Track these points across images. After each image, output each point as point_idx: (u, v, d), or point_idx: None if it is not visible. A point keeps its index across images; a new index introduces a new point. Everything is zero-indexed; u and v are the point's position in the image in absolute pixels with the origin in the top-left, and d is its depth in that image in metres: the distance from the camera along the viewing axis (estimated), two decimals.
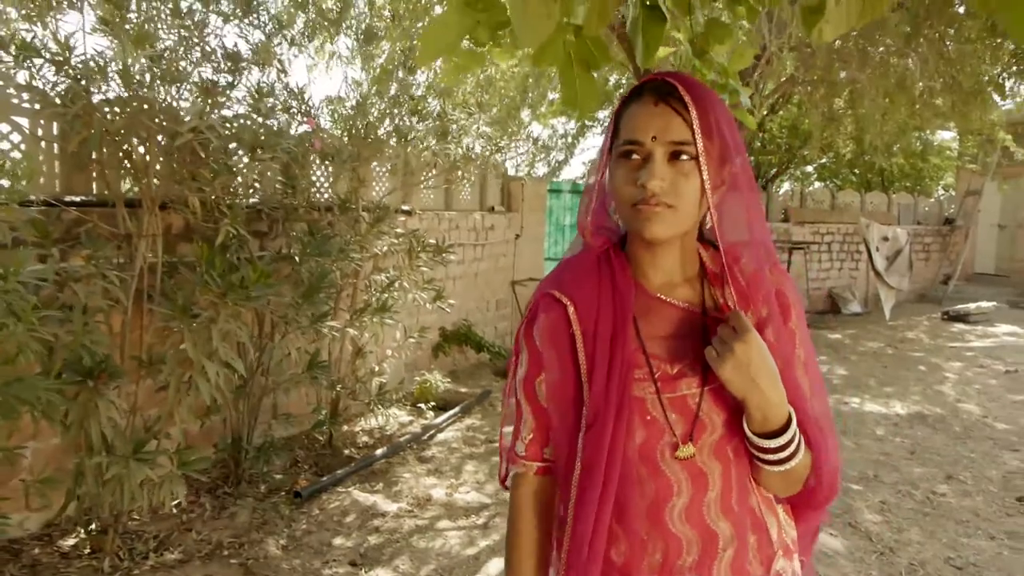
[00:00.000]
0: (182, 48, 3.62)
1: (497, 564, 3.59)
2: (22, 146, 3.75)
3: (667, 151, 1.14)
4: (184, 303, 3.26)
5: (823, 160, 17.50)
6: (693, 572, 1.19)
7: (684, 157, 1.14)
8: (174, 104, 3.48)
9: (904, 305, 13.43)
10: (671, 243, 1.21)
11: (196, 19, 3.48)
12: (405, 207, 6.29)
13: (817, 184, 19.35)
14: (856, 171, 17.22)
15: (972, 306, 12.52)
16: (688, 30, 2.42)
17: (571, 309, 1.24)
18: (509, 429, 1.37)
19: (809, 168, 19.12)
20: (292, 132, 4.35)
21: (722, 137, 1.16)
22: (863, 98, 7.83)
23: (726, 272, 1.21)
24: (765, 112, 9.64)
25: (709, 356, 1.14)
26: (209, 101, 3.40)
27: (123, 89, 3.39)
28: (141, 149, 3.42)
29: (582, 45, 1.41)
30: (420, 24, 6.18)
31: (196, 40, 3.63)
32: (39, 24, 3.57)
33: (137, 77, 3.18)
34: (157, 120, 3.28)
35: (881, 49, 6.70)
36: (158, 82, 3.45)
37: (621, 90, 11.88)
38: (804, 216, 12.88)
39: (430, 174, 5.93)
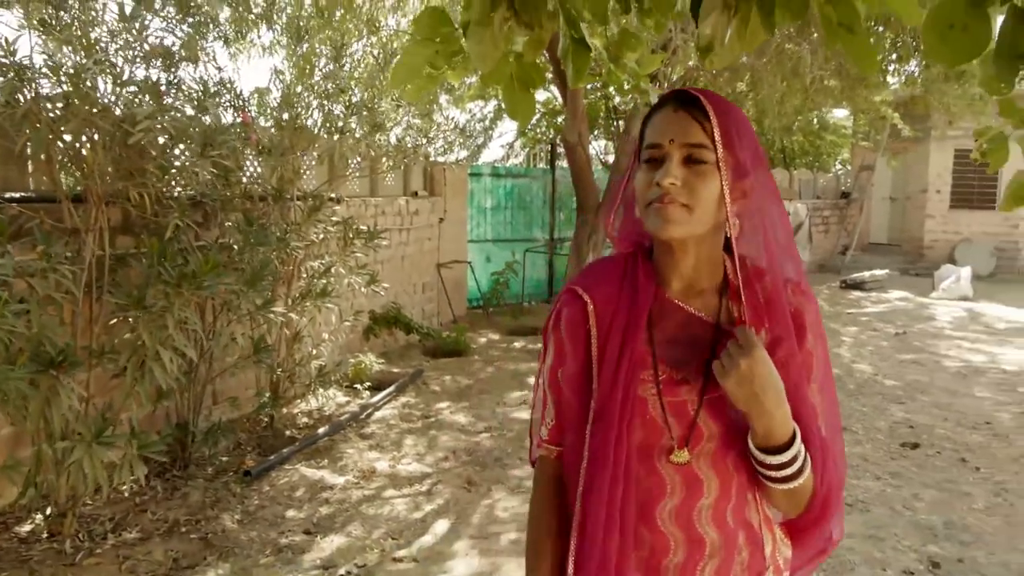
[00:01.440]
0: (119, 47, 3.76)
1: (443, 524, 3.90)
2: None
3: (683, 153, 1.18)
4: (139, 294, 3.44)
5: None
6: (677, 573, 1.23)
7: (699, 160, 1.18)
8: (117, 102, 3.61)
9: (806, 275, 14.26)
10: (690, 248, 1.24)
11: (135, 20, 3.61)
12: (332, 195, 6.48)
13: None
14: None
15: (867, 274, 13.44)
16: (603, 38, 2.75)
17: (590, 306, 1.29)
18: (538, 415, 1.41)
19: None
20: (226, 125, 4.50)
21: (742, 149, 1.20)
22: (763, 82, 8.39)
23: (745, 286, 1.24)
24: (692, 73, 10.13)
25: (716, 369, 1.17)
26: (155, 101, 3.55)
27: (66, 88, 3.52)
28: (88, 146, 3.54)
29: (522, 68, 1.71)
30: (340, 13, 6.35)
31: (134, 39, 3.77)
32: None
33: (83, 79, 3.30)
34: (104, 120, 3.42)
35: (777, 38, 7.22)
36: (100, 80, 3.58)
37: (552, 104, 12.17)
38: None
39: (358, 163, 6.13)
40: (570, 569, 1.24)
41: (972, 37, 1.32)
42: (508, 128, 16.96)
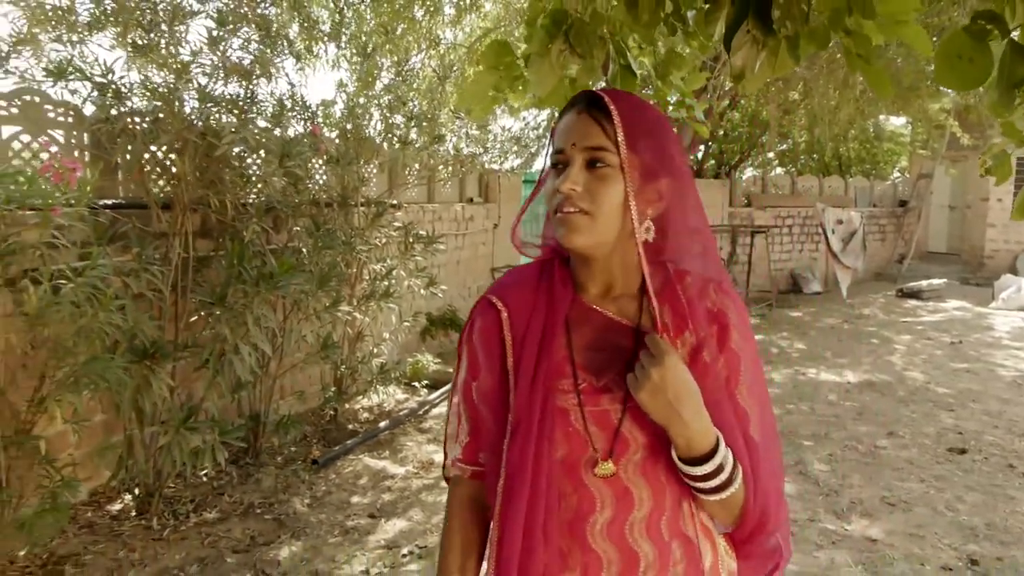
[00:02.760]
0: (203, 66, 4.09)
1: None
2: (59, 156, 4.19)
3: (585, 157, 1.14)
4: (221, 292, 3.75)
5: (783, 147, 18.21)
6: None
7: (601, 164, 1.14)
8: (201, 117, 3.94)
9: (861, 283, 14.17)
10: (603, 254, 1.20)
11: (218, 43, 3.93)
12: (394, 202, 6.78)
13: (778, 170, 20.09)
14: (815, 157, 17.95)
15: (924, 283, 13.27)
16: (652, 57, 2.96)
17: (504, 314, 1.24)
18: (452, 431, 1.36)
19: (771, 155, 19.84)
20: (295, 136, 4.82)
21: (648, 150, 1.16)
22: (815, 92, 8.46)
23: (666, 289, 1.21)
24: (727, 102, 10.22)
25: (629, 382, 1.13)
26: (239, 117, 3.87)
27: (158, 104, 3.86)
28: (176, 158, 3.87)
29: (575, 92, 1.94)
30: (403, 28, 6.67)
31: (217, 60, 4.10)
32: (70, 46, 4.00)
33: (175, 97, 3.63)
34: (192, 133, 3.74)
35: (829, 49, 7.31)
36: (187, 97, 3.91)
37: None
38: (765, 201, 13.53)
39: (417, 171, 6.42)
40: None
41: (976, 67, 1.51)
42: None
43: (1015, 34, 1.47)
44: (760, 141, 15.66)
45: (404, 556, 3.63)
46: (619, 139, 1.13)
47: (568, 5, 1.73)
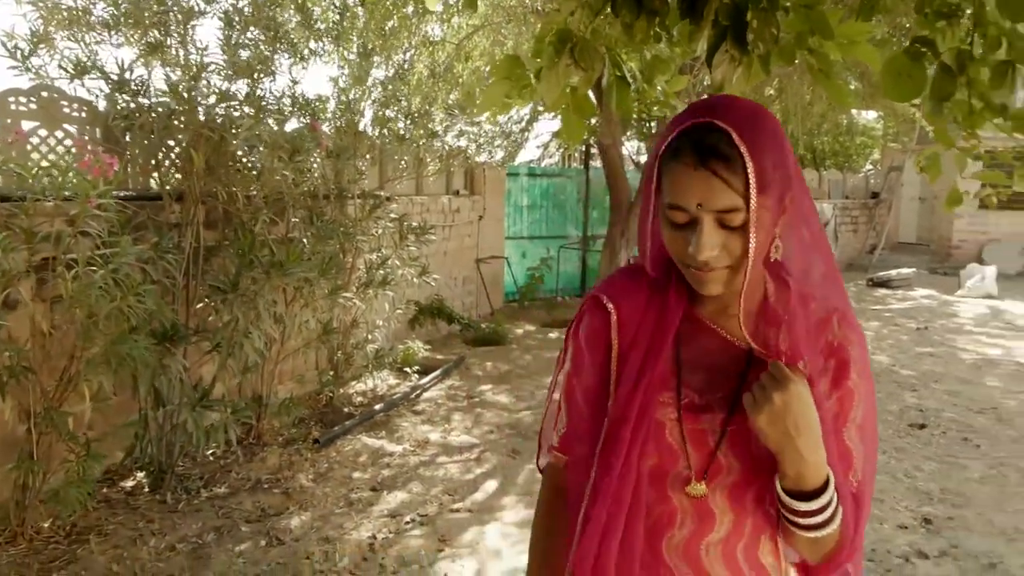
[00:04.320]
0: (214, 66, 4.32)
1: (492, 484, 4.42)
2: (73, 150, 4.40)
3: (715, 218, 1.06)
4: (235, 279, 4.00)
5: None
6: None
7: (734, 224, 1.05)
8: (213, 114, 4.18)
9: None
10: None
11: (231, 43, 4.17)
12: (387, 195, 7.03)
13: None
14: None
15: (894, 272, 13.71)
16: (639, 62, 3.25)
17: (614, 317, 1.21)
18: (550, 422, 1.36)
19: None
20: (298, 131, 5.06)
21: (777, 180, 1.07)
22: (789, 88, 8.81)
23: (786, 314, 1.14)
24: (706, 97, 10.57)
25: (747, 402, 1.08)
26: (255, 114, 4.11)
27: (174, 102, 4.09)
28: (192, 153, 4.10)
29: (576, 100, 2.21)
30: (391, 25, 6.91)
31: (226, 61, 4.33)
32: (83, 45, 4.21)
33: (194, 95, 3.87)
34: (209, 129, 3.99)
35: None
36: (200, 95, 4.15)
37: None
38: None
39: (407, 165, 6.68)
40: None
41: (914, 82, 1.81)
42: (543, 130, 17.45)
43: (944, 57, 1.76)
44: None
45: (407, 523, 3.91)
46: (751, 195, 1.04)
47: (572, 25, 2.01)
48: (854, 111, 15.50)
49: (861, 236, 16.93)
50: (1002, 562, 3.58)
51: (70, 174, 3.13)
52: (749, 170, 1.03)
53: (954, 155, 1.98)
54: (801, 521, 1.08)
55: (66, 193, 3.31)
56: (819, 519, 1.07)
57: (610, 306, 1.22)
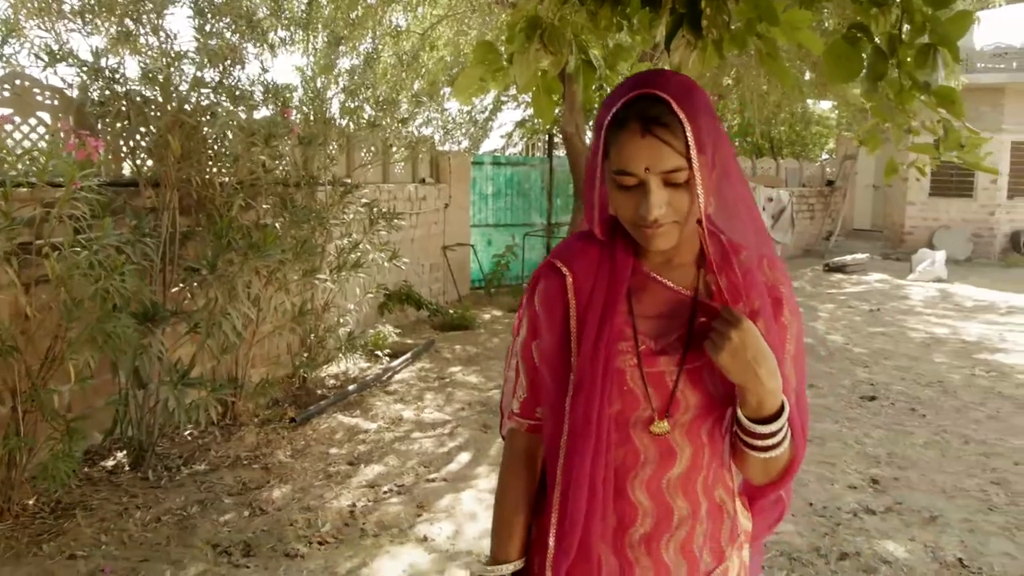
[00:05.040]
0: (187, 53, 4.42)
1: (465, 456, 4.60)
2: (46, 136, 4.47)
3: (661, 179, 1.16)
4: (213, 260, 4.11)
5: None
6: (643, 544, 1.25)
7: (679, 181, 1.16)
8: (192, 100, 4.28)
9: (792, 259, 14.99)
10: None
11: (205, 32, 4.26)
12: (350, 181, 7.14)
13: None
14: (748, 139, 18.78)
15: (849, 258, 14.14)
16: (602, 49, 3.43)
17: (569, 279, 1.29)
18: (509, 388, 1.44)
19: None
20: (271, 118, 5.16)
21: (710, 139, 1.18)
22: (746, 77, 9.09)
23: (723, 261, 1.27)
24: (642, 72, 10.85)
25: (708, 346, 1.18)
26: (233, 100, 4.22)
27: (146, 89, 4.19)
28: (169, 138, 4.20)
29: (546, 81, 2.39)
30: (357, 15, 7.01)
31: (199, 48, 4.42)
32: (53, 33, 4.28)
33: (172, 83, 3.97)
34: (188, 116, 4.09)
35: None
36: (178, 82, 4.24)
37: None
38: None
39: (374, 152, 6.80)
40: (551, 542, 1.27)
41: (852, 64, 2.01)
42: (506, 119, 17.60)
43: (878, 40, 1.97)
44: None
45: (385, 492, 4.08)
46: (692, 155, 1.15)
47: (542, 13, 2.18)
48: (809, 101, 15.92)
49: (817, 223, 17.37)
50: (942, 515, 3.85)
51: (50, 158, 3.21)
52: (688, 134, 1.14)
53: (891, 130, 2.19)
54: (759, 443, 1.20)
55: (55, 177, 3.41)
56: (776, 440, 1.20)
57: (564, 270, 1.31)
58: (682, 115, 1.14)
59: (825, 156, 21.49)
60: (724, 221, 1.30)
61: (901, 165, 2.32)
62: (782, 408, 1.19)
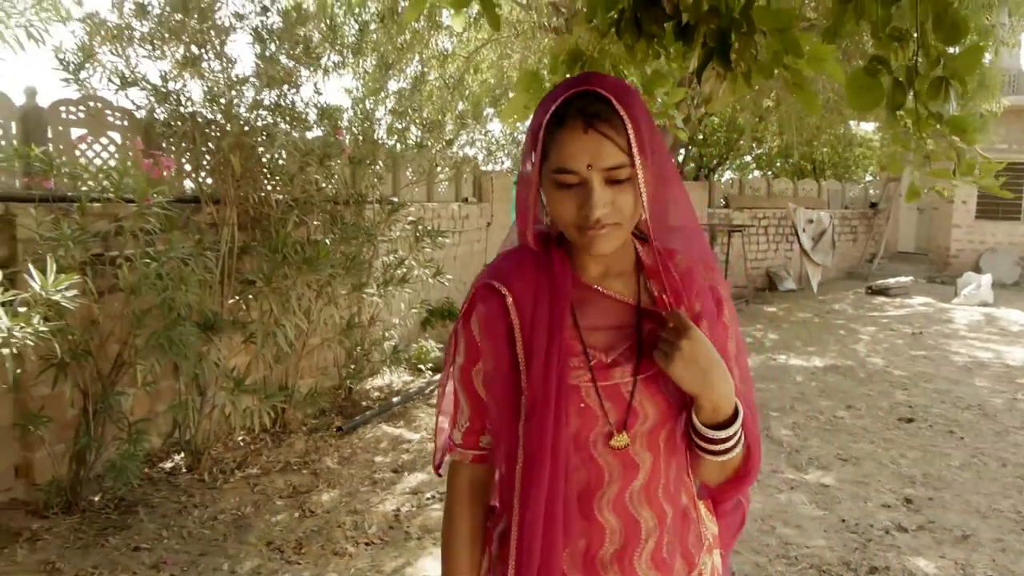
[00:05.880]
0: (246, 77, 4.69)
1: None
2: (116, 155, 4.77)
3: (603, 177, 1.13)
4: (270, 274, 4.35)
5: (760, 151, 18.98)
6: (615, 562, 1.21)
7: (621, 178, 1.13)
8: (254, 122, 4.54)
9: (834, 281, 14.93)
10: None
11: (267, 59, 4.53)
12: (396, 199, 7.39)
13: (755, 173, 20.89)
14: (789, 160, 18.75)
15: (892, 281, 14.04)
16: (639, 76, 3.61)
17: (509, 299, 1.23)
18: (445, 418, 1.39)
19: (748, 158, 20.61)
20: (330, 140, 5.42)
21: (649, 141, 1.15)
22: (786, 100, 9.17)
23: (660, 267, 1.24)
24: (703, 110, 10.95)
25: (658, 357, 1.16)
26: (290, 123, 4.48)
27: (210, 111, 4.46)
28: (231, 159, 4.46)
29: None
30: (405, 39, 7.30)
31: (258, 72, 4.69)
32: (123, 59, 4.57)
33: (234, 105, 4.23)
34: (248, 137, 4.35)
35: None
36: (238, 104, 4.51)
37: None
38: (743, 202, 14.26)
39: (419, 172, 7.04)
40: (511, 573, 1.21)
41: (872, 95, 2.15)
42: None
43: (896, 73, 2.10)
44: (737, 145, 16.39)
45: (428, 499, 4.25)
46: (634, 152, 1.13)
47: (582, 46, 2.36)
48: (852, 123, 15.88)
49: (860, 245, 17.25)
50: (974, 535, 3.90)
51: (124, 175, 3.47)
52: (630, 130, 1.11)
53: (914, 155, 2.31)
54: (716, 448, 1.19)
55: (127, 194, 3.68)
56: (731, 443, 1.19)
57: (503, 289, 1.24)
58: (623, 113, 1.12)
59: (869, 178, 21.33)
60: (660, 225, 1.24)
61: (923, 189, 2.44)
62: (736, 411, 1.19)
